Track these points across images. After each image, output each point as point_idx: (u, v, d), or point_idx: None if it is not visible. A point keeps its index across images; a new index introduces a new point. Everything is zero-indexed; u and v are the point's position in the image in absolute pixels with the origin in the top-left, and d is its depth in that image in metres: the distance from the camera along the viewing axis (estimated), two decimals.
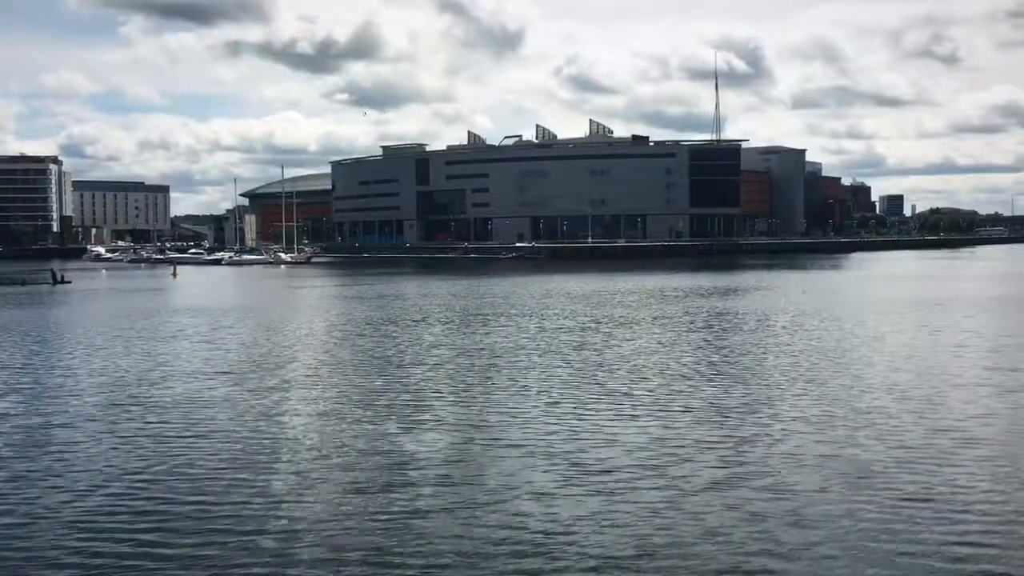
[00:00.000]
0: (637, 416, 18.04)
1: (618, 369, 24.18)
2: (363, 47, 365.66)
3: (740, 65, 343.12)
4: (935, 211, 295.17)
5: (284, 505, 12.65)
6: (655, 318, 39.14)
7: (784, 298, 50.06)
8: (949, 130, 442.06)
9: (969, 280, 69.81)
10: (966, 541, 10.89)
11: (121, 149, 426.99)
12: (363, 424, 17.62)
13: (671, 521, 11.66)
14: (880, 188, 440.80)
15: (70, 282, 78.24)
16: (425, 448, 15.59)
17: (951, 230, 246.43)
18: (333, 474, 14.14)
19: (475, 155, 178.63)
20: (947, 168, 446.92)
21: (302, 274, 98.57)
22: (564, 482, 13.45)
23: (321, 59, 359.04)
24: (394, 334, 33.64)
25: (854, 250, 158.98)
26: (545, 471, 14.07)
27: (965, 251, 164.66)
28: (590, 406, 19.07)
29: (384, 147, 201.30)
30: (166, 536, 11.41)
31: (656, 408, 18.85)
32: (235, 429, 17.36)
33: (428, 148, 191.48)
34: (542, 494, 12.89)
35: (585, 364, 25.22)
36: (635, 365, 24.86)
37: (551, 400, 19.79)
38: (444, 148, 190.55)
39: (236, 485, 13.63)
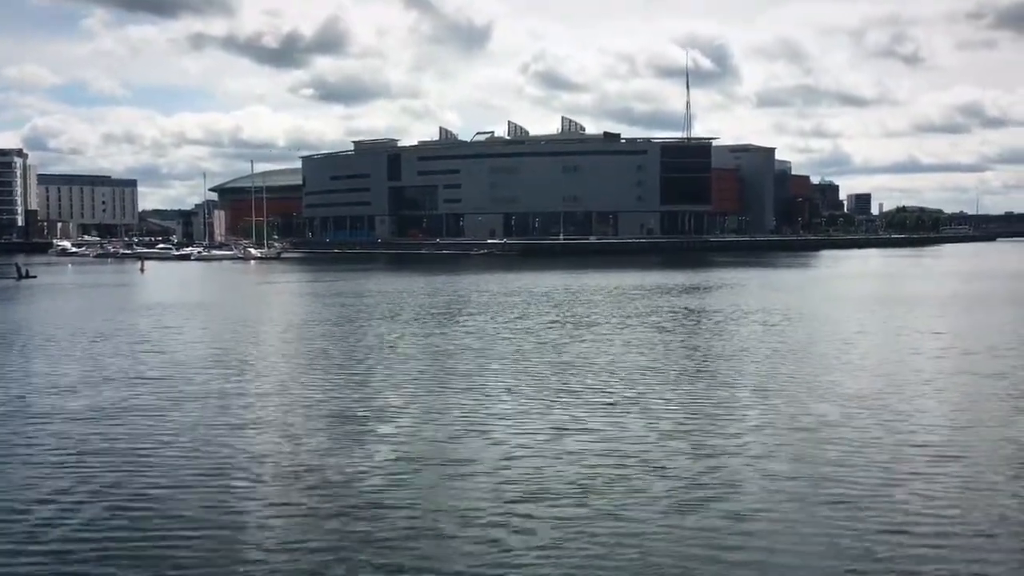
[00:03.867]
0: (584, 426, 17.32)
1: (565, 373, 23.37)
2: (329, 42, 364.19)
3: (706, 63, 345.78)
4: (902, 210, 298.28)
5: (216, 528, 12.04)
6: (615, 317, 39.26)
7: (751, 296, 50.49)
8: (912, 129, 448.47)
9: (936, 278, 70.75)
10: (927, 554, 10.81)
11: (85, 142, 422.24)
12: (299, 436, 16.83)
13: (624, 543, 11.19)
14: (848, 187, 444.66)
15: (35, 277, 77.25)
16: (360, 464, 14.70)
17: (917, 228, 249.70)
18: (264, 491, 13.60)
19: (447, 151, 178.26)
20: (912, 167, 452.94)
21: (271, 270, 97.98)
22: (509, 500, 12.91)
23: (287, 53, 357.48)
24: (345, 335, 33.04)
25: (823, 248, 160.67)
26: (484, 486, 13.54)
27: (931, 249, 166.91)
28: (533, 415, 18.30)
29: (355, 142, 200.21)
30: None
31: (605, 416, 18.26)
32: (170, 439, 16.64)
33: (400, 143, 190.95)
34: (484, 513, 12.41)
35: (532, 368, 24.46)
36: (585, 368, 24.22)
37: (491, 410, 18.89)
38: (416, 144, 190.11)
39: (161, 500, 13.15)
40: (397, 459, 15.15)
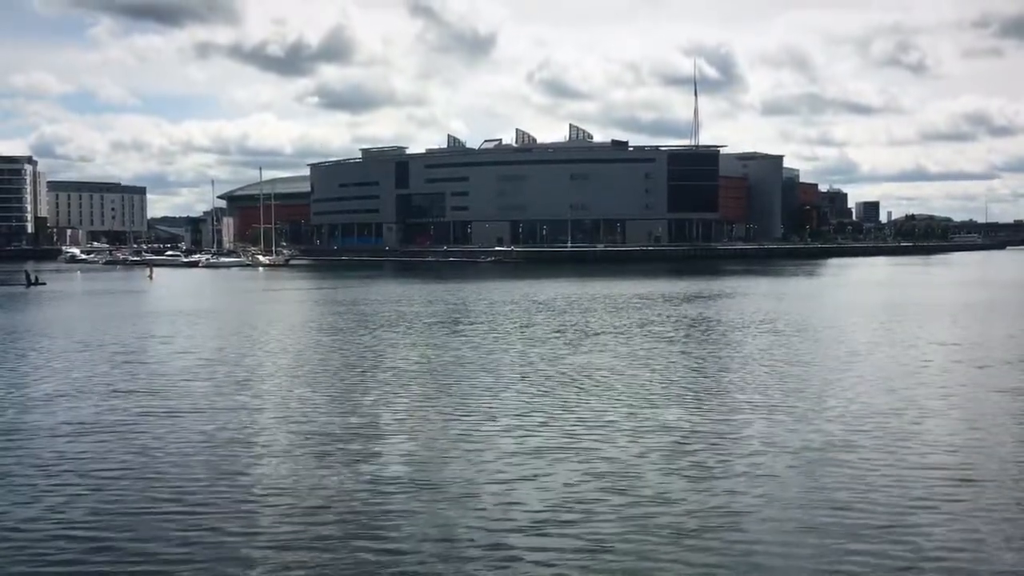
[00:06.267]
0: (582, 445, 16.90)
1: (566, 388, 22.95)
2: (335, 50, 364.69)
3: (710, 71, 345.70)
4: (910, 218, 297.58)
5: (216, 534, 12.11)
6: (618, 327, 39.03)
7: (758, 306, 50.22)
8: (919, 138, 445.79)
9: (945, 287, 70.33)
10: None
11: (94, 150, 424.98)
12: (290, 451, 16.66)
13: (622, 569, 10.99)
14: (856, 195, 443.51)
15: (44, 284, 77.80)
16: (343, 490, 14.08)
17: (926, 237, 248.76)
18: (254, 508, 13.51)
19: (455, 158, 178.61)
20: (919, 175, 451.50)
21: (279, 277, 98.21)
22: (501, 521, 12.73)
23: (292, 61, 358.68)
24: (347, 344, 33.00)
25: (831, 256, 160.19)
26: (477, 506, 13.37)
27: (940, 257, 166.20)
28: (534, 431, 18.05)
29: (363, 150, 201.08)
30: None
31: (604, 435, 17.82)
32: (161, 450, 16.61)
33: (407, 151, 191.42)
34: (473, 537, 12.36)
35: (532, 382, 24.10)
36: (586, 383, 23.82)
37: (489, 426, 18.55)
38: (424, 151, 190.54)
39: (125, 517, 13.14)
40: (398, 476, 14.95)
